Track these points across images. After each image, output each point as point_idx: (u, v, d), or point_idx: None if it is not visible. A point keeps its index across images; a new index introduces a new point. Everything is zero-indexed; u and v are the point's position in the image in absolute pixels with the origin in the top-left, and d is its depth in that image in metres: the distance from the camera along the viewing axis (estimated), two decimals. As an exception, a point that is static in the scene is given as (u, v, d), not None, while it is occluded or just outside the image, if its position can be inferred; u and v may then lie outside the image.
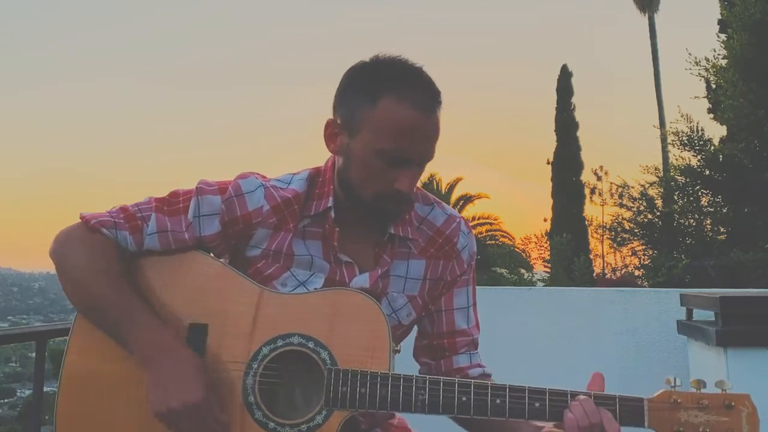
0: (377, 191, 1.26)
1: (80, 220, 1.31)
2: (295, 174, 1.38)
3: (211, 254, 1.35)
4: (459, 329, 1.44)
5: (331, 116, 1.31)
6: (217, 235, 1.32)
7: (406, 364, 1.34)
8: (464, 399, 1.18)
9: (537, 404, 1.17)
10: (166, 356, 1.23)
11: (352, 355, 1.23)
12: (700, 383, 1.14)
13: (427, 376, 1.21)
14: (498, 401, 1.17)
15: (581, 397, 1.16)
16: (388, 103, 1.21)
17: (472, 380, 1.21)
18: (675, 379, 1.14)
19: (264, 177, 1.37)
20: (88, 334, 1.31)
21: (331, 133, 1.30)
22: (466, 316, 1.45)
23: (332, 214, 1.32)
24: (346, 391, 1.21)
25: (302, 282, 1.32)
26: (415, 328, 1.49)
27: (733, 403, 1.12)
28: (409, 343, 1.47)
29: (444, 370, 1.43)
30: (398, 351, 1.28)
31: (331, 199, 1.32)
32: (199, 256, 1.33)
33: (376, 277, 1.35)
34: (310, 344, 1.24)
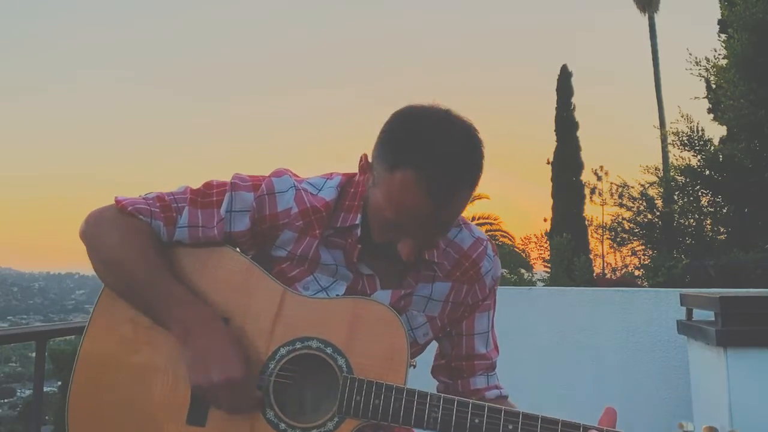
0: (383, 241, 1.26)
1: (115, 204, 1.30)
2: (328, 179, 1.35)
3: (238, 249, 1.35)
4: (478, 353, 1.44)
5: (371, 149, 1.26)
6: (246, 232, 1.31)
7: (422, 380, 1.34)
8: (477, 421, 1.18)
9: None
10: (205, 331, 1.23)
11: (368, 365, 1.23)
12: (712, 430, 1.13)
13: (442, 395, 1.21)
14: (510, 427, 1.17)
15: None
16: (403, 178, 1.13)
17: (487, 403, 1.20)
18: (687, 423, 1.14)
19: (297, 177, 1.35)
20: (106, 321, 1.32)
21: (362, 166, 1.28)
22: (485, 340, 1.45)
23: (358, 232, 1.29)
24: (360, 401, 1.21)
25: (324, 287, 1.32)
26: (434, 344, 1.48)
27: None
28: (425, 359, 1.47)
29: (461, 390, 1.43)
30: (414, 366, 1.27)
31: (359, 216, 1.29)
32: (227, 251, 1.33)
33: (398, 297, 1.34)
34: (329, 350, 1.25)
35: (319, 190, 1.32)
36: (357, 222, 1.29)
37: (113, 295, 1.32)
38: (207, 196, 1.32)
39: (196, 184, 1.35)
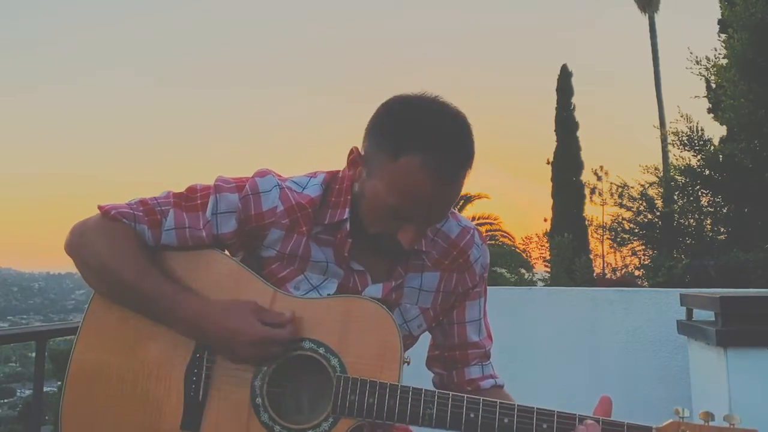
0: (380, 232, 1.26)
1: (98, 211, 1.30)
2: (311, 177, 1.35)
3: (227, 252, 1.35)
4: (471, 342, 1.44)
5: (360, 142, 1.27)
6: (234, 233, 1.31)
7: (417, 373, 1.34)
8: (472, 416, 1.18)
9: (545, 425, 1.16)
10: (212, 321, 1.24)
11: (362, 364, 1.23)
12: (709, 416, 1.12)
13: (436, 390, 1.21)
14: (506, 420, 1.17)
15: (589, 422, 1.15)
16: (409, 163, 1.15)
17: (482, 398, 1.20)
18: (683, 410, 1.13)
19: (281, 176, 1.35)
20: (97, 328, 1.31)
21: (353, 159, 1.27)
22: (477, 328, 1.45)
23: (347, 226, 1.29)
24: (354, 400, 1.21)
25: (315, 286, 1.32)
26: (428, 335, 1.48)
27: None
28: (420, 354, 1.47)
29: (456, 381, 1.43)
30: (408, 362, 1.27)
31: (347, 210, 1.29)
32: (215, 255, 1.32)
33: (389, 289, 1.34)
34: (321, 350, 1.24)
35: (304, 188, 1.32)
36: (345, 217, 1.29)
37: (103, 301, 1.31)
38: (191, 199, 1.31)
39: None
